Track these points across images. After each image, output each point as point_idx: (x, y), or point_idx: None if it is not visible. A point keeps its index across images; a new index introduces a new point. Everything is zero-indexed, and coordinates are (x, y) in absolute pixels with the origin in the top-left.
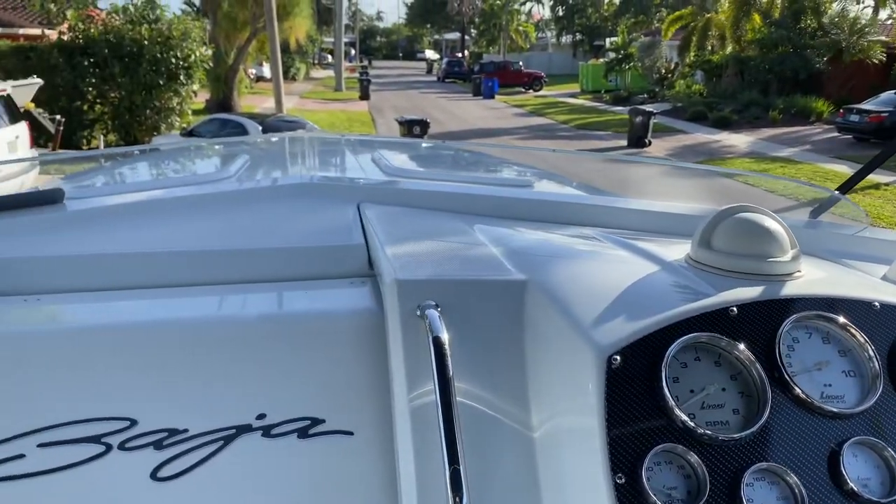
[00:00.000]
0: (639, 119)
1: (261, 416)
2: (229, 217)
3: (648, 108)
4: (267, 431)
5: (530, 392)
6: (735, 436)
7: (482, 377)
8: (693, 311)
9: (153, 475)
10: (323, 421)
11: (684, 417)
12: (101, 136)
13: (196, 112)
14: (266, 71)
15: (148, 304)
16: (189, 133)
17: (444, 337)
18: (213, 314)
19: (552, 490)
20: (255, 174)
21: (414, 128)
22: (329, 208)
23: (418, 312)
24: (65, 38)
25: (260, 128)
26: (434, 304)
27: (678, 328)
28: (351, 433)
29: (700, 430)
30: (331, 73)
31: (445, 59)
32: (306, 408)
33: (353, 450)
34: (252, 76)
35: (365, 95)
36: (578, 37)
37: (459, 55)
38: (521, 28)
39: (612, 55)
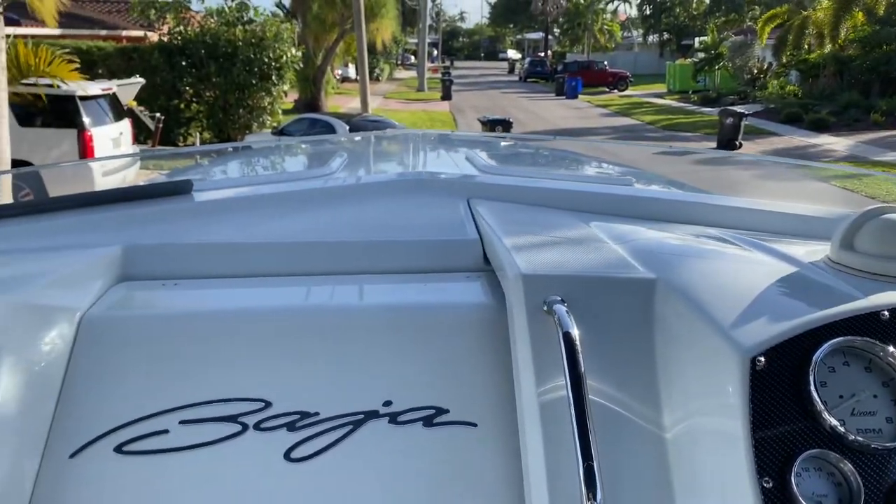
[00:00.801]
0: (729, 120)
1: (387, 403)
2: (344, 210)
3: (739, 109)
4: (393, 418)
5: (661, 391)
6: (889, 445)
7: (610, 374)
8: (842, 314)
9: (286, 455)
10: (447, 411)
11: (834, 423)
12: (198, 134)
13: (285, 112)
14: (351, 72)
15: (278, 291)
16: (280, 132)
17: (575, 332)
18: (339, 303)
19: (688, 492)
20: (364, 170)
21: (497, 127)
22: (439, 203)
23: (544, 307)
24: (165, 39)
25: (347, 127)
26: (560, 298)
27: (825, 331)
28: (475, 424)
29: (851, 437)
30: (413, 73)
31: (528, 59)
32: (430, 397)
33: (477, 441)
34: (338, 77)
35: (447, 95)
36: (666, 36)
37: (542, 55)
38: (606, 27)
39: (700, 55)
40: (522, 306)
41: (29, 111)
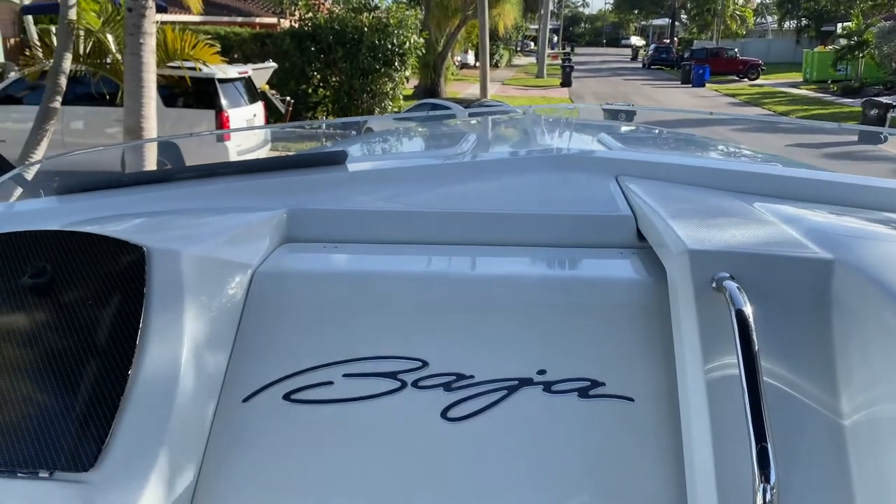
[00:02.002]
0: (873, 112)
1: (541, 372)
2: (492, 184)
3: (886, 99)
4: (548, 387)
5: (839, 375)
6: None
7: (782, 355)
8: None
9: (443, 414)
10: (602, 384)
11: None
12: (324, 118)
13: (406, 97)
14: (470, 58)
15: (434, 258)
16: (402, 117)
17: (748, 310)
18: (494, 272)
19: (870, 484)
20: (507, 146)
21: (619, 115)
22: (585, 180)
23: (712, 284)
24: (296, 26)
25: (467, 113)
26: (728, 275)
27: None
28: (631, 399)
29: None
30: (532, 60)
31: (652, 46)
32: (585, 369)
33: (634, 416)
34: (457, 63)
35: (566, 82)
36: (804, 22)
37: (668, 41)
38: (737, 13)
39: (842, 42)
40: (689, 283)
41: (173, 92)
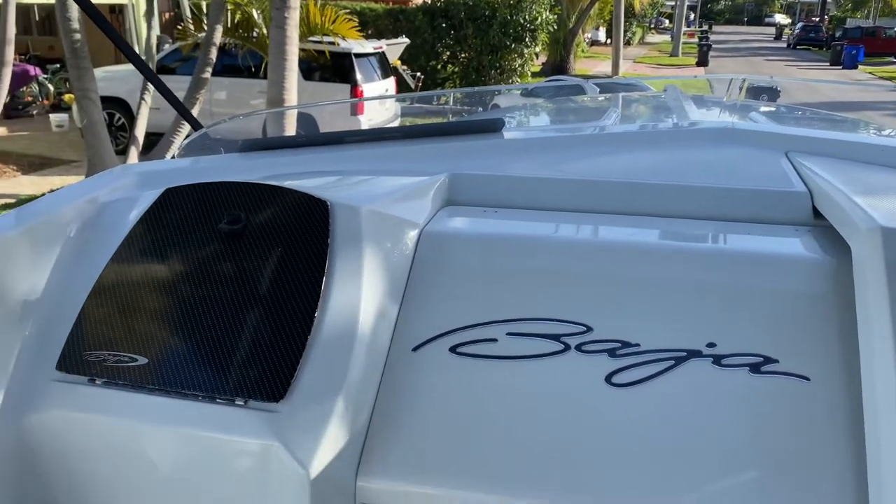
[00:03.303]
0: None
1: (711, 345)
2: (654, 155)
3: None
4: (717, 360)
5: None
6: None
7: None
8: None
9: (607, 379)
10: (776, 360)
11: None
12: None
13: (534, 74)
14: (601, 35)
15: (597, 226)
16: (529, 93)
17: None
18: (661, 243)
19: None
20: (664, 118)
21: (762, 95)
22: (752, 155)
23: None
24: (428, 1)
25: (598, 90)
26: None
27: None
28: (807, 378)
29: None
30: (666, 37)
31: (799, 24)
32: (757, 345)
33: (810, 396)
34: (587, 40)
35: (703, 61)
36: None
37: (817, 19)
38: None
39: None
40: (880, 261)
41: (311, 66)
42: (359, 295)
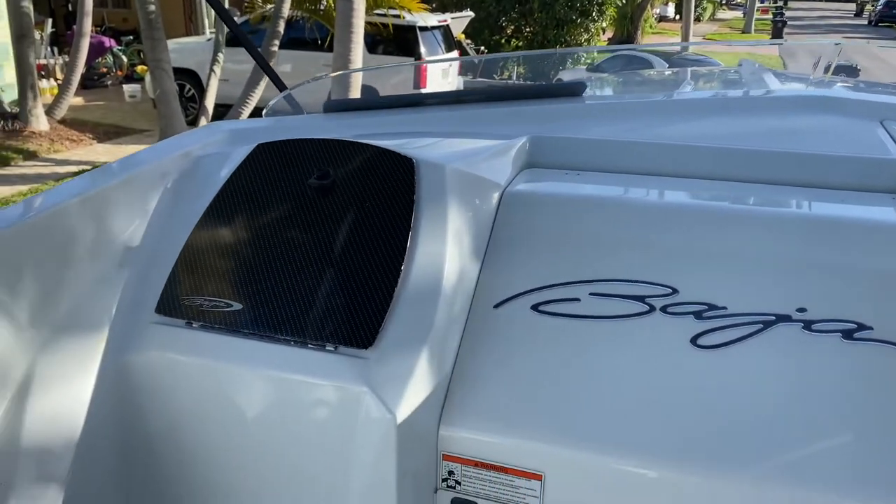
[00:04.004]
0: None
1: (801, 310)
2: (743, 121)
3: None
4: (808, 326)
5: None
6: None
7: None
8: None
9: (693, 341)
10: (870, 328)
11: None
12: (515, 69)
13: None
14: (670, 10)
15: (685, 191)
16: (595, 69)
17: None
18: (751, 208)
19: None
20: (754, 86)
21: (840, 74)
22: (852, 123)
23: None
24: None
25: (666, 65)
26: None
27: None
28: None
29: None
30: (738, 13)
31: (883, 0)
32: (850, 311)
33: None
34: (655, 15)
35: (777, 37)
36: None
37: None
38: None
39: None
40: None
41: (375, 39)
42: (443, 250)
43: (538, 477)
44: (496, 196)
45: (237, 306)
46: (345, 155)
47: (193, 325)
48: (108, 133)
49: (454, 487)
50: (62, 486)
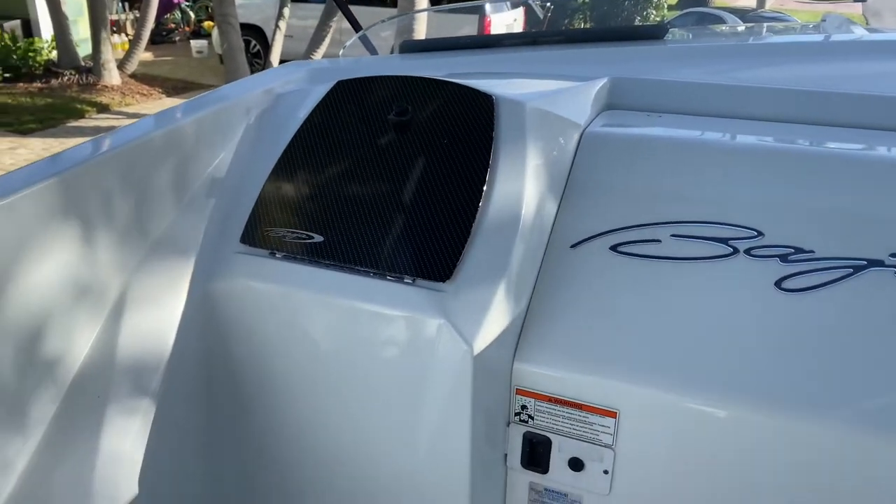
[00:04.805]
0: None
1: (894, 255)
2: (830, 66)
3: None
4: None
5: None
6: None
7: None
8: None
9: (777, 284)
10: None
11: None
12: (581, 24)
13: (670, 7)
14: None
15: (773, 134)
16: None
17: None
18: (842, 151)
19: None
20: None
21: None
22: None
23: None
24: None
25: (741, 23)
26: None
27: None
28: None
29: None
30: None
31: None
32: None
33: None
34: None
35: None
36: None
37: None
38: None
39: None
40: None
41: None
42: (521, 187)
43: (612, 414)
44: (576, 136)
45: (318, 238)
46: (424, 92)
47: (276, 256)
48: (176, 88)
49: (526, 422)
50: (153, 402)
